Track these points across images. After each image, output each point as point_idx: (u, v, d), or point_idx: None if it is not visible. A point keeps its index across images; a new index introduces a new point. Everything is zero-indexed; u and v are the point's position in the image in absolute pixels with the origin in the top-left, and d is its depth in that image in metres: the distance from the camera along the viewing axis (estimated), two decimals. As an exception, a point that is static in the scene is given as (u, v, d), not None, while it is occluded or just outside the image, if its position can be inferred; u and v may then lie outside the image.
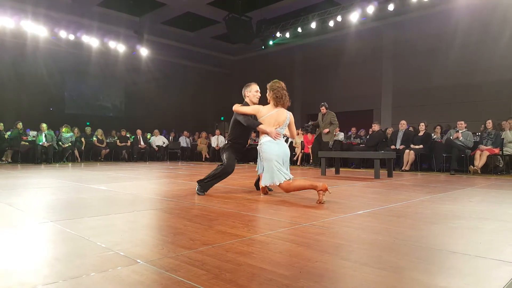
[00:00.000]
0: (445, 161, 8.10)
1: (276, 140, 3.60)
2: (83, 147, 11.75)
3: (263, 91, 4.00)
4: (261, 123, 3.68)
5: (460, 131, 7.87)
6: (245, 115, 3.82)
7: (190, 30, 14.46)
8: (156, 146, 13.36)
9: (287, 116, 3.71)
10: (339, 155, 7.72)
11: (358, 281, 1.41)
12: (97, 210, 2.95)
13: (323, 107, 9.07)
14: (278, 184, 3.47)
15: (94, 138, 12.10)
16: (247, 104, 4.00)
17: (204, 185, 3.84)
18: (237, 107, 3.89)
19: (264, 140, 3.63)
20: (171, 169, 8.64)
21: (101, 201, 3.41)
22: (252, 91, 4.03)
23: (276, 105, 3.70)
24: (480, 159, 7.36)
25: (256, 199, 3.52)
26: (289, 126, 3.79)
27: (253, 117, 3.80)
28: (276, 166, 3.48)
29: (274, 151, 3.54)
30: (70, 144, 11.15)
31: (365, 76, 13.56)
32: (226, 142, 4.21)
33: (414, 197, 3.74)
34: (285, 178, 3.45)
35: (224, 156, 3.93)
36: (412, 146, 8.37)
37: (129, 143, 12.74)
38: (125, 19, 13.10)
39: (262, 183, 3.63)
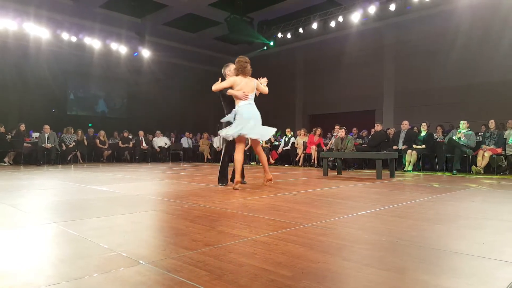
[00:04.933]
0: (447, 161, 8.08)
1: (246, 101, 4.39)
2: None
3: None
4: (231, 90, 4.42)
5: (462, 131, 7.84)
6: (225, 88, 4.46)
7: (192, 31, 14.48)
8: (158, 147, 13.38)
9: (254, 82, 4.50)
10: (340, 156, 7.72)
11: (361, 281, 1.41)
12: (100, 211, 2.96)
13: (342, 131, 8.83)
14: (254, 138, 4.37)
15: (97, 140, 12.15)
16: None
17: (221, 179, 4.77)
18: (215, 85, 4.44)
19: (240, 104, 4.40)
20: (173, 170, 8.65)
21: (104, 202, 3.42)
22: (231, 70, 4.65)
23: (244, 75, 4.44)
24: (482, 159, 7.33)
25: (258, 200, 3.52)
26: (258, 88, 4.56)
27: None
28: (251, 124, 4.28)
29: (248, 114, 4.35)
30: (73, 145, 11.18)
31: (366, 76, 13.54)
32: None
33: (416, 198, 3.73)
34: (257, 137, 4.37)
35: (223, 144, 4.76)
36: (414, 146, 8.35)
37: (131, 145, 12.76)
38: (126, 21, 13.14)
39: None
